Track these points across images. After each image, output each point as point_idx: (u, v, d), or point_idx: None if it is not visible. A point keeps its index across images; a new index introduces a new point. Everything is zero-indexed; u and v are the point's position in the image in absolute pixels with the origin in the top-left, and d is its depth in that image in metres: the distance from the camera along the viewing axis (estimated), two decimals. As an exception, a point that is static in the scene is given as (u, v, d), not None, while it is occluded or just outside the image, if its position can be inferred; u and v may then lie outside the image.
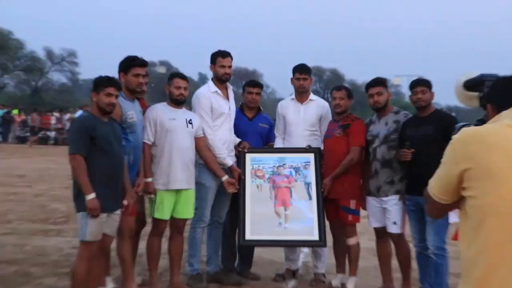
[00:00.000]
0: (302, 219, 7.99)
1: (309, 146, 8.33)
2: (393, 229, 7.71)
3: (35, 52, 75.06)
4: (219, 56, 8.30)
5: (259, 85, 9.06)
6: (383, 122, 7.86)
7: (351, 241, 8.03)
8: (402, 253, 7.81)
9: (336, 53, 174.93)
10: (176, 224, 7.84)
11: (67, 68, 79.17)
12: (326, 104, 8.73)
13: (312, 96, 8.70)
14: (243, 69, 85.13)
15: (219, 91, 8.28)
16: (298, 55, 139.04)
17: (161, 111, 7.74)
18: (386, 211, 7.76)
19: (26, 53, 74.33)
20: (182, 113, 7.88)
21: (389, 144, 7.74)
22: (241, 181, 8.21)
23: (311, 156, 8.28)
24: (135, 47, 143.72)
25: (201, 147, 8.00)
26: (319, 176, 8.15)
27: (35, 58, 74.54)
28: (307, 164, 8.25)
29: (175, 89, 7.83)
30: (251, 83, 9.12)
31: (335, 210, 8.09)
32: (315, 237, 7.87)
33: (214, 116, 8.20)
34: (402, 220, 7.72)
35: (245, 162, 8.36)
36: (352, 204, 8.00)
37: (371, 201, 7.94)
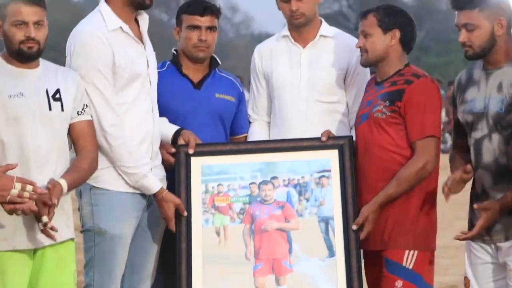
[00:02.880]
0: None
1: (328, 136, 4.41)
2: None
3: None
4: None
5: (213, 11, 4.88)
6: (493, 82, 4.04)
7: None
8: None
9: None
10: None
11: None
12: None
13: (325, 28, 4.82)
14: None
15: (125, 27, 4.41)
16: None
17: None
18: (508, 269, 4.07)
19: None
20: (36, 79, 4.09)
21: (508, 131, 3.96)
22: (182, 220, 4.45)
23: (331, 157, 4.32)
24: None
25: (85, 144, 4.22)
26: (352, 202, 4.33)
27: None
28: (324, 176, 4.33)
29: (15, 28, 3.95)
30: (196, 6, 4.90)
31: (376, 270, 4.51)
32: None
33: (121, 82, 4.37)
34: None
35: (190, 177, 4.51)
36: (409, 259, 4.34)
37: (473, 249, 4.24)
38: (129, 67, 4.37)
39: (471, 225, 4.14)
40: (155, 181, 4.39)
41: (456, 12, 4.06)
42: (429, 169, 4.27)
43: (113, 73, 4.32)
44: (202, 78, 4.96)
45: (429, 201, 4.41)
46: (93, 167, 4.18)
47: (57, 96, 4.07)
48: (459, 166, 4.11)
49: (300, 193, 4.41)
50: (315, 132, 4.54)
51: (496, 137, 3.97)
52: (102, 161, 4.27)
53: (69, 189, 3.98)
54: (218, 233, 4.45)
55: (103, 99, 4.26)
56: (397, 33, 4.35)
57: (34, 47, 3.96)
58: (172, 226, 4.38)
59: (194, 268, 4.36)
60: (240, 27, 49.77)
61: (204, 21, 4.82)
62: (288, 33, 4.77)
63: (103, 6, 4.39)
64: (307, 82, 4.69)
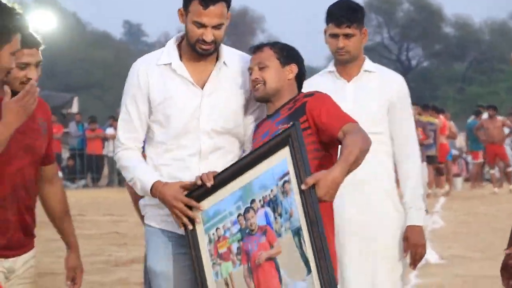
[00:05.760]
0: None
1: (292, 124, 3.67)
2: None
3: None
4: (195, 1, 3.96)
5: None
6: None
7: None
8: None
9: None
10: None
11: None
12: (399, 77, 4.71)
13: (368, 64, 4.65)
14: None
15: (177, 67, 4.13)
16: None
17: None
18: None
19: None
20: None
21: None
22: (197, 277, 4.06)
23: (286, 156, 3.70)
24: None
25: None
26: (310, 195, 3.60)
27: None
28: (285, 181, 3.68)
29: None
30: None
31: None
32: None
33: (166, 123, 4.15)
34: None
35: (195, 233, 4.03)
36: None
37: None
38: (163, 104, 4.15)
39: None
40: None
41: None
42: (369, 141, 3.78)
43: (150, 106, 4.17)
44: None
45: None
46: None
47: None
48: None
49: (274, 210, 3.78)
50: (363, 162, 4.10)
51: None
52: (147, 196, 4.12)
53: None
54: (227, 284, 3.97)
55: (123, 119, 4.20)
56: (294, 68, 4.02)
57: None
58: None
59: None
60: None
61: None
62: (333, 68, 4.68)
63: (170, 41, 4.30)
64: (351, 113, 4.30)
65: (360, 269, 4.45)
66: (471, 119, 23.19)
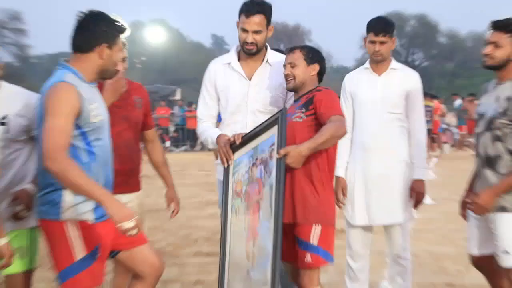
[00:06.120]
0: (265, 257, 3.46)
1: (280, 111, 3.60)
2: (503, 260, 3.64)
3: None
4: (242, 13, 3.97)
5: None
6: (495, 93, 3.71)
7: None
8: None
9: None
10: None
11: (10, 39, 37.65)
12: (416, 75, 4.58)
13: (394, 63, 4.54)
14: (279, 25, 42.17)
15: (235, 64, 4.11)
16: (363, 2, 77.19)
17: None
18: (494, 234, 3.69)
19: None
20: None
21: (494, 132, 3.64)
22: (222, 207, 3.98)
23: (275, 131, 3.56)
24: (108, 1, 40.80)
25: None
26: (281, 162, 3.48)
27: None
28: (273, 149, 3.56)
29: None
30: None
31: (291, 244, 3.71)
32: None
33: (226, 104, 4.15)
34: None
35: (228, 173, 3.95)
36: (315, 235, 3.63)
37: (471, 216, 3.86)
38: (228, 95, 4.12)
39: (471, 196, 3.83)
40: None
41: (491, 31, 3.68)
42: (343, 131, 3.60)
43: (216, 93, 4.17)
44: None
45: (330, 183, 3.80)
46: None
47: (3, 120, 3.41)
48: None
49: (264, 168, 3.63)
50: (386, 134, 4.42)
51: (487, 134, 3.67)
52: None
53: None
54: (236, 213, 3.87)
55: (201, 101, 4.21)
56: (316, 65, 3.85)
57: None
58: None
59: (227, 240, 3.89)
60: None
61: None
62: (368, 66, 4.53)
63: (233, 47, 4.24)
64: (381, 99, 4.45)
65: (382, 202, 4.39)
66: (458, 103, 22.97)
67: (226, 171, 3.92)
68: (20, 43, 38.14)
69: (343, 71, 44.23)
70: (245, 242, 3.68)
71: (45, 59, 41.49)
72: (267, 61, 4.09)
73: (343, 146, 4.34)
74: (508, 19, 3.62)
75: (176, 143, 25.01)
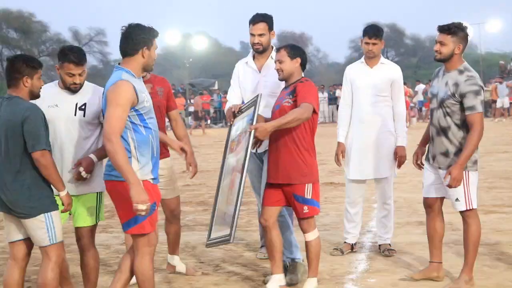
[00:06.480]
0: (233, 204, 3.46)
1: (257, 96, 3.68)
2: (456, 206, 3.64)
3: (60, 34, 39.02)
4: (250, 23, 4.01)
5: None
6: (445, 80, 3.66)
7: (310, 236, 3.57)
8: (468, 233, 3.62)
9: (393, 6, 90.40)
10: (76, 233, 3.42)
11: (96, 49, 40.03)
12: (398, 68, 4.58)
13: (382, 59, 4.55)
14: (289, 33, 41.88)
15: (250, 62, 4.11)
16: (351, 11, 79.32)
17: (46, 95, 3.26)
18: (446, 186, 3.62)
19: (51, 35, 38.45)
20: (72, 97, 3.33)
21: (445, 109, 3.63)
22: (223, 160, 3.93)
23: (252, 110, 3.61)
24: (166, 19, 70.59)
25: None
26: (251, 134, 3.47)
27: (61, 41, 36.07)
28: (251, 123, 3.56)
29: (67, 76, 3.27)
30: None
31: (283, 196, 3.61)
32: (226, 231, 3.45)
33: (244, 91, 4.12)
34: (468, 194, 3.57)
35: (229, 134, 3.96)
36: (309, 192, 3.53)
37: (427, 167, 3.83)
38: (247, 85, 4.11)
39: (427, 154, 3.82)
40: None
41: (438, 33, 3.64)
42: (304, 117, 3.44)
43: (240, 84, 4.16)
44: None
45: (313, 153, 3.61)
46: None
47: (82, 107, 3.34)
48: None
49: (245, 135, 3.55)
50: (376, 111, 4.42)
51: (440, 110, 3.65)
52: None
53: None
54: (228, 166, 3.81)
55: (230, 89, 4.18)
56: (297, 59, 3.64)
57: (77, 88, 3.34)
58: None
59: (220, 187, 3.82)
60: (322, 60, 49.73)
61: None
62: (363, 61, 4.53)
63: (251, 51, 4.17)
64: (372, 86, 4.46)
65: (373, 161, 4.45)
66: (421, 87, 23.31)
67: (228, 133, 3.95)
68: (103, 51, 41.31)
69: (336, 66, 43.74)
70: (227, 190, 3.67)
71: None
72: (272, 57, 4.01)
73: (344, 119, 4.54)
74: (450, 24, 3.60)
75: (215, 121, 25.54)
